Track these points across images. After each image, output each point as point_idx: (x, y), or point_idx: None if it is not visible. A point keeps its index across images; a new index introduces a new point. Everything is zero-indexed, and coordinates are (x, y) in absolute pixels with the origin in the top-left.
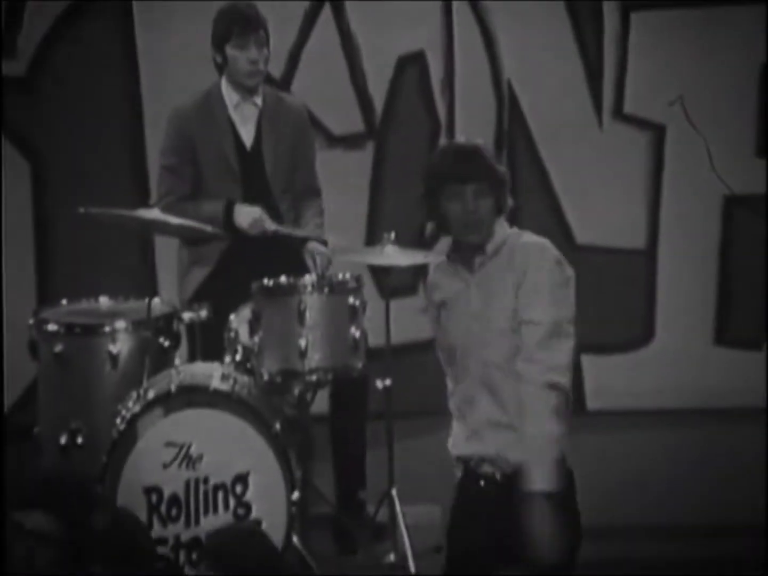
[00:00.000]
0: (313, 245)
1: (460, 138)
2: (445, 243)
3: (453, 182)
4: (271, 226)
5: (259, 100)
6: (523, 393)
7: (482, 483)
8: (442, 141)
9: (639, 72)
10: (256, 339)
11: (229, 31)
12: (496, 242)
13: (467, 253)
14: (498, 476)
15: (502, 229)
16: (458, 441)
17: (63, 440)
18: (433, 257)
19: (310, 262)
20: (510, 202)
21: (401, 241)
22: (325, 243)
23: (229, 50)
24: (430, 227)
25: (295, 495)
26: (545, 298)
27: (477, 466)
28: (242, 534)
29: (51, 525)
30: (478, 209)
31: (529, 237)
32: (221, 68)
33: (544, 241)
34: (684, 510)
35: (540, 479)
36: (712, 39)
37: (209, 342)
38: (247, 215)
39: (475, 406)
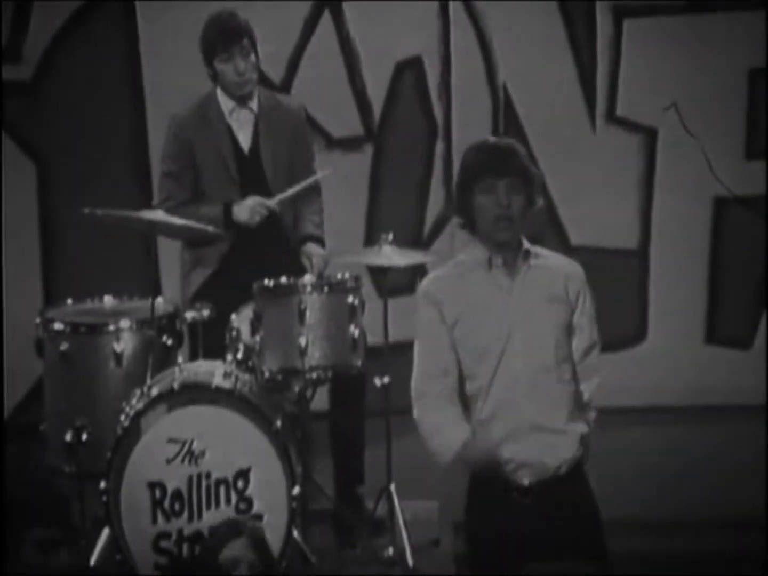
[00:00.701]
0: (310, 247)
1: (494, 137)
2: (441, 243)
3: (487, 176)
4: (271, 203)
5: (254, 105)
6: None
7: (515, 495)
8: (481, 139)
9: (631, 76)
10: (257, 338)
11: (213, 47)
12: (536, 252)
13: (509, 254)
14: (534, 484)
15: (526, 242)
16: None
17: (68, 437)
18: (431, 257)
19: (306, 263)
20: (540, 202)
21: (399, 242)
22: (323, 243)
23: (217, 64)
24: (456, 222)
25: (296, 490)
26: (593, 316)
27: (512, 474)
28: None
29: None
30: (510, 204)
31: (562, 256)
32: (215, 80)
33: (574, 261)
34: (677, 506)
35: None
36: (703, 44)
37: (211, 341)
38: (244, 209)
39: (514, 411)
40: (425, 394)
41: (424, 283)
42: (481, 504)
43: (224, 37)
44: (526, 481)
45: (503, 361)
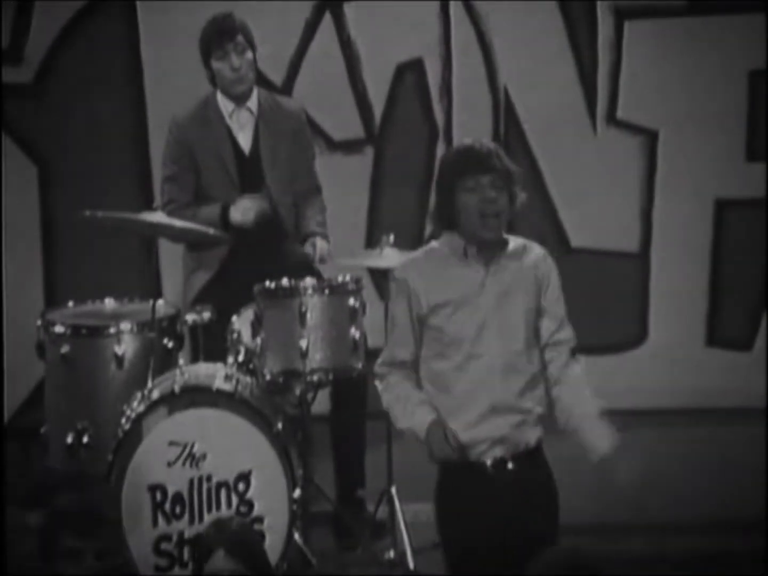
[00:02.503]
0: (314, 238)
1: (474, 138)
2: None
3: (471, 174)
4: (262, 204)
5: (254, 106)
6: (558, 372)
7: (490, 467)
8: (453, 144)
9: (632, 78)
10: (258, 340)
11: (208, 46)
12: (513, 240)
13: (485, 247)
14: (509, 460)
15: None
16: (459, 428)
17: (69, 439)
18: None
19: (310, 249)
20: (522, 197)
21: (399, 244)
22: (327, 240)
23: (214, 63)
24: (433, 225)
25: (297, 493)
26: (561, 299)
27: (486, 451)
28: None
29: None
30: (496, 200)
31: (531, 242)
32: (213, 82)
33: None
34: (678, 508)
35: (606, 440)
36: (703, 47)
37: (212, 343)
38: (237, 209)
39: (491, 390)
40: (386, 377)
41: (398, 271)
42: (453, 488)
43: (218, 34)
44: (500, 455)
45: (478, 346)
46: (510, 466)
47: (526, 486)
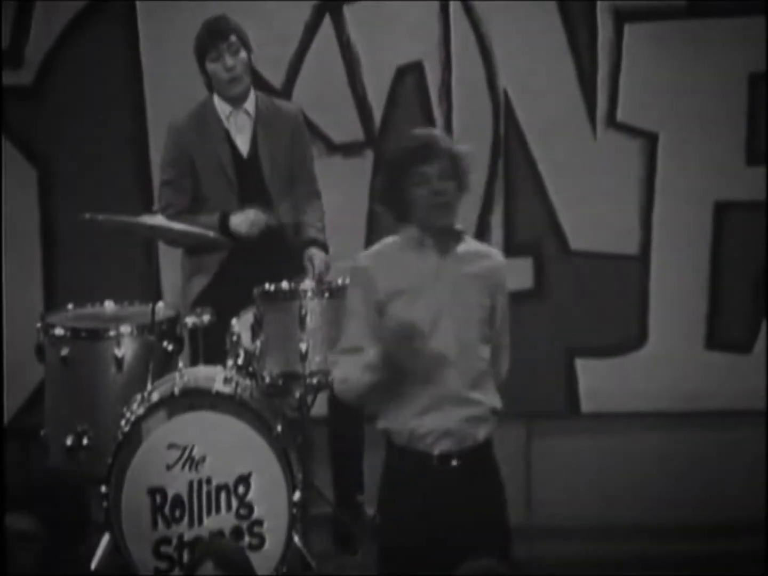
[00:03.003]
0: (312, 251)
1: (419, 129)
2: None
3: (419, 165)
4: (270, 220)
5: (251, 109)
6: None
7: (436, 462)
8: (405, 135)
9: (632, 81)
10: (258, 343)
11: (202, 48)
12: (473, 241)
13: (441, 236)
14: (455, 454)
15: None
16: (408, 417)
17: (69, 442)
18: None
19: (308, 266)
20: (469, 183)
21: None
22: (326, 248)
23: (208, 65)
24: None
25: (296, 496)
26: (506, 304)
27: (434, 443)
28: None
29: (33, 526)
30: (445, 191)
31: (492, 249)
32: (210, 86)
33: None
34: (677, 511)
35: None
36: (703, 49)
37: (212, 346)
38: (244, 222)
39: (438, 383)
40: (337, 364)
41: (357, 261)
42: (397, 473)
43: (211, 35)
44: (447, 449)
45: (433, 336)
46: (455, 462)
47: (470, 482)
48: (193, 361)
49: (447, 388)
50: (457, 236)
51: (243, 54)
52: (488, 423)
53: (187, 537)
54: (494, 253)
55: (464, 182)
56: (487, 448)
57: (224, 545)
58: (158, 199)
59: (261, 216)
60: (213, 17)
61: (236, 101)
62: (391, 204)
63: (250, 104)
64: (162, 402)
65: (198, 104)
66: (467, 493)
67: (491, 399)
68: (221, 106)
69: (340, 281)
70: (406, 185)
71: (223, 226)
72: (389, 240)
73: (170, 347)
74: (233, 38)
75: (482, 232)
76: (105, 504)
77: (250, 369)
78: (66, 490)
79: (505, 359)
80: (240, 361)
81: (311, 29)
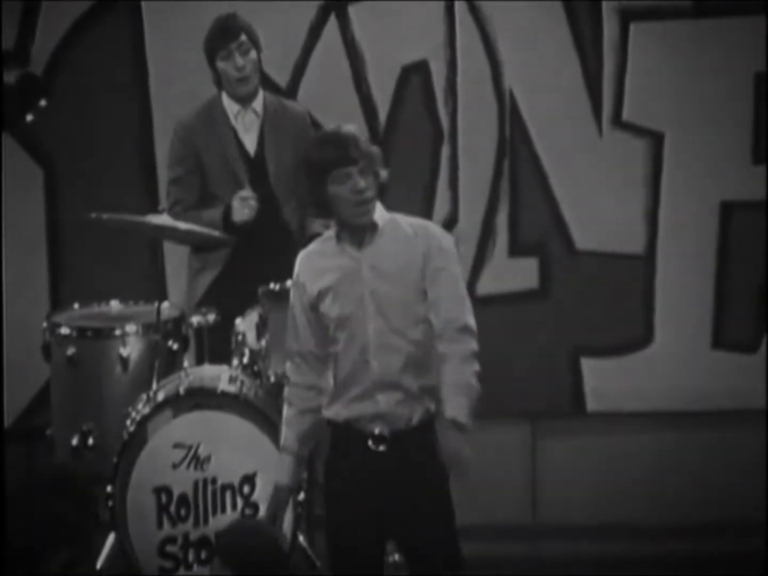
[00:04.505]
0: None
1: (331, 126)
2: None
3: (337, 167)
4: (251, 194)
5: (259, 108)
6: (446, 363)
7: (371, 443)
8: (320, 133)
9: (638, 80)
10: (263, 342)
11: (212, 46)
12: (384, 218)
13: (355, 231)
14: (387, 434)
15: (380, 209)
16: (343, 404)
17: (75, 441)
18: None
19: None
20: (384, 174)
21: None
22: None
23: (218, 63)
24: (313, 222)
25: (301, 495)
26: (452, 276)
27: (367, 425)
28: (251, 531)
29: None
30: (366, 188)
31: (412, 218)
32: (219, 84)
33: (429, 222)
34: (683, 510)
35: (457, 410)
36: (709, 48)
37: (217, 345)
38: (235, 209)
39: (368, 369)
40: (287, 361)
41: (296, 263)
42: (337, 452)
43: (222, 34)
44: (378, 431)
45: (357, 326)
46: (385, 444)
47: (404, 464)
48: (199, 361)
49: (374, 376)
50: (373, 227)
51: (253, 54)
52: (421, 406)
53: (192, 536)
54: (419, 227)
55: (380, 174)
56: (423, 432)
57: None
58: (166, 196)
59: (251, 193)
60: (224, 15)
61: (245, 100)
62: (317, 200)
63: (258, 103)
64: (167, 401)
65: (206, 102)
66: (400, 475)
67: (424, 380)
68: (229, 105)
69: None
70: (328, 183)
71: (227, 218)
72: (325, 235)
73: (175, 346)
74: (243, 38)
75: (487, 232)
76: (110, 503)
77: (255, 368)
78: (71, 487)
79: (450, 309)
80: (245, 361)
81: (316, 29)
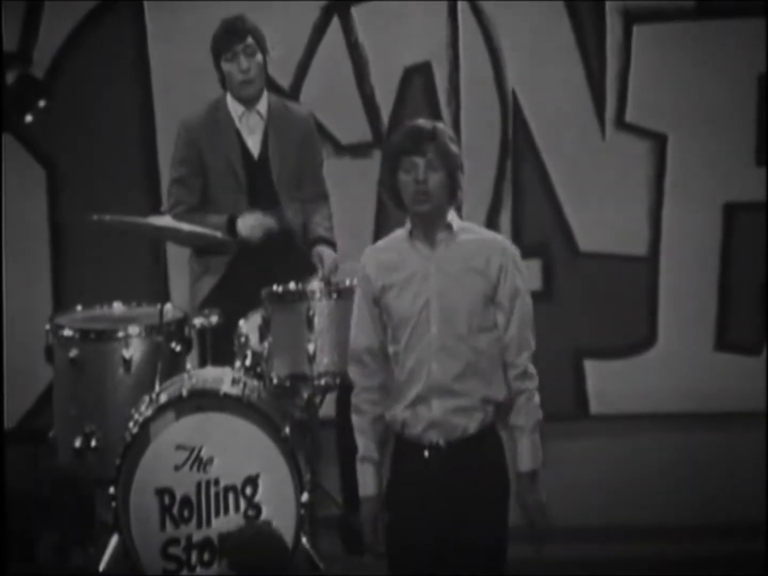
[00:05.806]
0: (321, 249)
1: (421, 120)
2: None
3: (409, 155)
4: (271, 223)
5: (264, 110)
6: (516, 394)
7: (426, 453)
8: (407, 122)
9: (641, 82)
10: (266, 344)
11: (218, 48)
12: (459, 223)
13: (430, 229)
14: (443, 444)
15: (455, 216)
16: (401, 407)
17: (77, 443)
18: None
19: (317, 263)
20: (461, 179)
21: None
22: (334, 247)
23: (223, 64)
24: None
25: (304, 497)
26: (516, 290)
27: (423, 432)
28: (256, 535)
29: None
30: (427, 180)
31: (494, 234)
32: (224, 84)
33: (505, 239)
34: (685, 512)
35: (531, 461)
36: (712, 50)
37: (220, 347)
38: (246, 225)
39: (426, 372)
40: (353, 364)
41: (361, 258)
42: (399, 463)
43: (228, 36)
44: (435, 440)
45: (419, 327)
46: (443, 452)
47: (462, 474)
48: (201, 363)
49: (431, 381)
50: (448, 228)
51: (258, 56)
52: (479, 415)
53: (195, 538)
54: (493, 240)
55: (454, 176)
56: (482, 442)
57: (244, 548)
58: (167, 196)
59: (265, 220)
60: (231, 17)
61: (249, 102)
62: (387, 186)
63: (262, 105)
64: (170, 403)
65: (210, 103)
66: (459, 486)
67: (485, 390)
68: (234, 106)
69: (347, 282)
70: (398, 171)
71: (231, 227)
72: (395, 233)
73: (178, 348)
74: (250, 40)
75: None
76: (113, 505)
77: (258, 370)
78: (74, 490)
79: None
80: (248, 363)
81: (319, 30)
